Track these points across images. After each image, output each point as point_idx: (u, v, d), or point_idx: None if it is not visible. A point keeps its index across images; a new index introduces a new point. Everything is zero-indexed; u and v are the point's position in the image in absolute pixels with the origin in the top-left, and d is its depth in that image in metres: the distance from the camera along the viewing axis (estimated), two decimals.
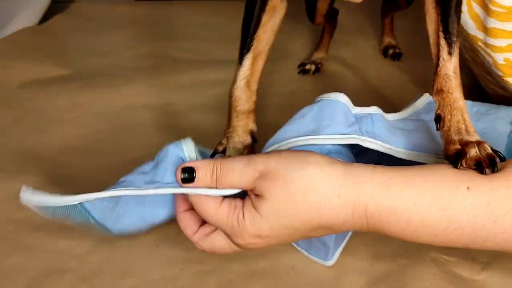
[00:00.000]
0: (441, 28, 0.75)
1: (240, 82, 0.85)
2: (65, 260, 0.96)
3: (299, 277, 0.92)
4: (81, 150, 1.30)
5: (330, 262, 0.92)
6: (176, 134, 1.39)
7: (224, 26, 2.07)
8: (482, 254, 0.95)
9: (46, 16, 2.13)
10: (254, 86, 0.88)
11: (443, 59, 0.75)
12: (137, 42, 1.98)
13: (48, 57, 1.81)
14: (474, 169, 0.68)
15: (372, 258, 0.96)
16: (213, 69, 1.71)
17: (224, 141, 0.90)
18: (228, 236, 0.78)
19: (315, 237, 0.79)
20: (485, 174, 0.68)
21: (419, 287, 0.89)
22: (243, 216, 0.73)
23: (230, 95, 0.87)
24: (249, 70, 0.85)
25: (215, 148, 0.90)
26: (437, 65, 0.76)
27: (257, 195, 0.73)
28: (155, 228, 1.02)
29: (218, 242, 0.81)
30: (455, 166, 0.70)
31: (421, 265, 0.93)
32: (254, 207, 0.72)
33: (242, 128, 0.88)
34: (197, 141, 1.36)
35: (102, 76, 1.69)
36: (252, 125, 0.89)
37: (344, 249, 0.97)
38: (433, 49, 0.79)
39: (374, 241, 0.98)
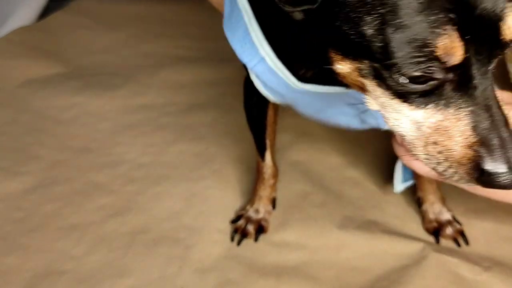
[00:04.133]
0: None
1: (268, 169, 1.05)
2: (63, 260, 0.96)
3: (299, 277, 0.92)
4: (80, 150, 1.29)
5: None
6: (176, 133, 1.39)
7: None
8: (484, 259, 0.95)
9: (44, 14, 2.12)
10: (275, 166, 1.06)
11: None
12: (136, 41, 1.98)
13: (46, 56, 1.80)
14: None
15: (375, 257, 0.96)
16: (213, 69, 1.70)
17: (248, 207, 1.06)
18: None
19: None
20: (460, 246, 0.98)
21: (421, 285, 0.89)
22: None
23: (260, 173, 1.06)
24: (270, 160, 1.04)
25: (240, 212, 1.06)
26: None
27: None
28: (153, 227, 1.04)
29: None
30: (437, 242, 0.99)
31: (423, 264, 0.92)
32: None
33: (267, 197, 1.06)
34: (197, 141, 1.37)
35: (101, 75, 1.68)
36: (274, 194, 1.08)
37: (345, 249, 0.97)
38: None
39: (376, 241, 0.99)
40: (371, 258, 0.95)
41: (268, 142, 1.02)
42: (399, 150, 0.76)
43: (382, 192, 1.13)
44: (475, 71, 0.50)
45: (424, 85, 0.51)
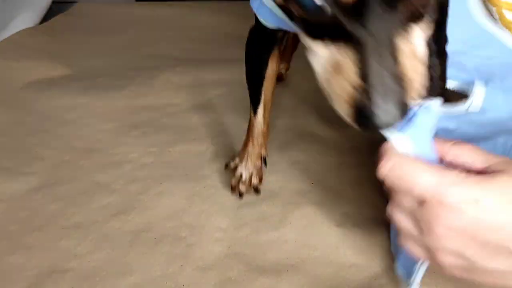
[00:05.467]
0: None
1: (258, 126, 1.03)
2: (67, 259, 0.97)
3: (299, 274, 0.92)
4: (83, 150, 1.31)
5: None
6: (177, 134, 1.40)
7: (224, 27, 2.08)
8: None
9: (47, 17, 2.13)
10: (266, 125, 1.05)
11: None
12: (137, 43, 1.99)
13: (49, 58, 1.82)
14: None
15: (373, 254, 0.96)
16: (213, 70, 1.71)
17: (237, 160, 1.06)
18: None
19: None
20: None
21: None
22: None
23: (250, 130, 1.04)
24: (262, 117, 1.02)
25: (226, 163, 1.07)
26: None
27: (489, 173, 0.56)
28: (155, 226, 1.04)
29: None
30: None
31: None
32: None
33: (256, 155, 1.06)
34: (199, 141, 1.39)
35: (103, 76, 1.70)
36: (264, 152, 1.07)
37: (344, 246, 0.98)
38: None
39: (374, 238, 0.99)
40: (369, 256, 0.96)
41: (263, 97, 0.99)
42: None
43: (380, 192, 1.13)
44: (372, 13, 0.48)
45: (318, 15, 0.51)
